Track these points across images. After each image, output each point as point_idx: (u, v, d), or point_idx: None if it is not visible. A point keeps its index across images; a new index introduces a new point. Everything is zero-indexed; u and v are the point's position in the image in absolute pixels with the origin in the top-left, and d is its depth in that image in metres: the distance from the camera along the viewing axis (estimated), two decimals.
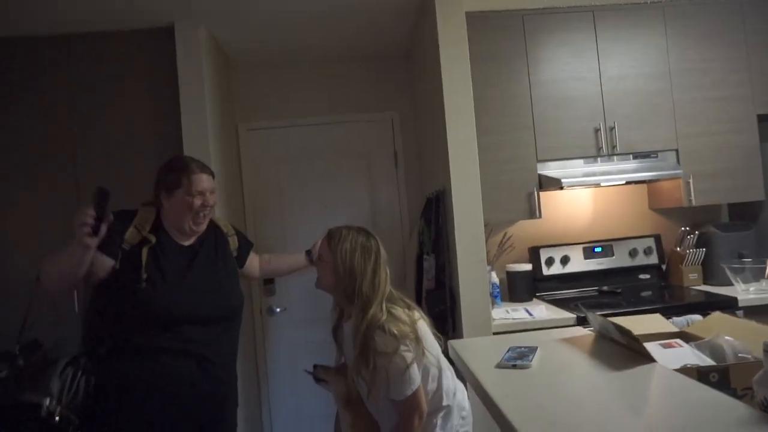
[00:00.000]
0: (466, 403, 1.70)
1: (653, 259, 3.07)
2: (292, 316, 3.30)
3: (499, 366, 1.31)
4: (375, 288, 1.55)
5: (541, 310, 2.64)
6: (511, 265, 2.96)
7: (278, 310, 3.29)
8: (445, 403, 1.59)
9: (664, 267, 3.09)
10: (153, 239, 1.71)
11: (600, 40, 2.83)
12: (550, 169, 2.81)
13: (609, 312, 2.46)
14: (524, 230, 3.13)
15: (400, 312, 1.54)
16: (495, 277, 2.84)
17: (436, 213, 2.66)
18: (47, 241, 2.56)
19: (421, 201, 3.16)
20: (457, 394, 1.67)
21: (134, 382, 1.61)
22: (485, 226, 2.49)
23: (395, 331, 1.46)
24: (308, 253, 2.20)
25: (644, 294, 2.88)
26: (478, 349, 1.50)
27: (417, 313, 1.60)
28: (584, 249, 3.07)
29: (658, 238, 3.10)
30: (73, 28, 2.65)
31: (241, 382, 2.08)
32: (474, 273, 2.43)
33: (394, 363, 1.46)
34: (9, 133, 2.68)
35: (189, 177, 1.72)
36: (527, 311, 2.64)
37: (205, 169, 1.80)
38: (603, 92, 2.82)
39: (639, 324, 1.55)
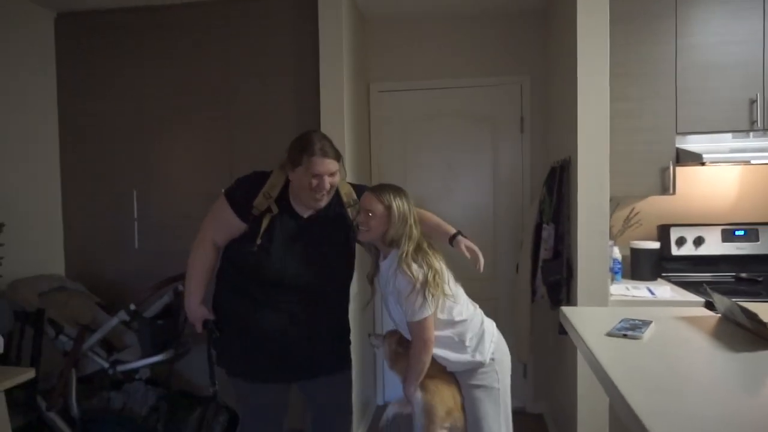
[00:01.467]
0: (496, 332, 1.98)
1: None
2: None
3: (609, 334, 1.32)
4: (417, 228, 1.85)
5: (665, 291, 2.52)
6: (636, 242, 2.84)
7: None
8: (464, 322, 1.87)
9: None
10: (276, 210, 1.88)
11: None
12: (691, 143, 2.61)
13: (746, 300, 2.27)
14: (654, 206, 2.95)
15: (428, 251, 1.83)
16: (617, 253, 2.75)
17: (559, 182, 2.61)
18: (201, 181, 2.98)
19: (545, 169, 3.11)
20: (483, 324, 1.94)
21: (238, 318, 1.94)
22: (611, 199, 2.40)
23: (416, 265, 1.77)
24: (452, 238, 2.03)
25: None
26: (590, 318, 1.51)
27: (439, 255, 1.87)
28: (723, 231, 2.83)
29: None
30: None
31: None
32: (594, 246, 2.37)
33: (413, 289, 1.74)
34: (172, 84, 3.09)
35: (309, 158, 1.78)
36: (649, 290, 2.54)
37: (328, 153, 1.81)
38: (765, 59, 2.53)
39: None
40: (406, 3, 3.10)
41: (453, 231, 2.03)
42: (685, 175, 2.88)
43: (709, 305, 2.31)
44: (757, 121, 2.54)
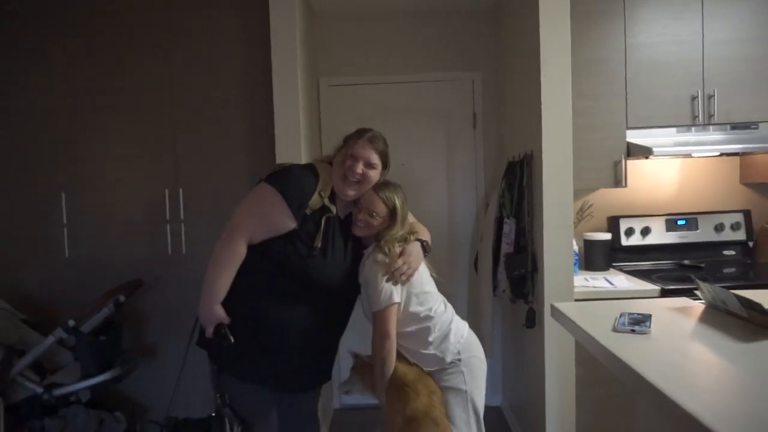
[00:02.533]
0: (465, 333, 1.90)
1: (740, 236, 2.96)
2: None
3: (616, 330, 1.32)
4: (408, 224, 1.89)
5: (621, 280, 2.61)
6: (589, 234, 2.92)
7: None
8: (430, 319, 1.83)
9: (751, 244, 2.98)
10: (333, 210, 1.78)
11: (707, 0, 2.67)
12: (639, 137, 2.72)
13: (691, 287, 2.40)
14: (604, 198, 3.06)
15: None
16: (574, 245, 2.81)
17: (520, 177, 2.63)
18: (143, 181, 2.74)
19: (499, 164, 3.13)
20: (451, 322, 1.87)
21: (261, 317, 1.76)
22: None
23: (382, 256, 1.76)
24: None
25: (728, 270, 2.80)
26: (585, 313, 1.50)
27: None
28: (667, 221, 2.98)
29: (747, 214, 2.98)
30: None
31: None
32: (559, 239, 2.41)
33: (375, 278, 1.74)
34: (107, 77, 2.81)
35: (356, 140, 1.79)
36: (607, 280, 2.62)
37: (375, 143, 1.81)
38: (704, 57, 2.68)
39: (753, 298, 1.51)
40: None
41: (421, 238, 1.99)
42: (632, 167, 3.00)
43: (664, 293, 2.43)
44: (698, 116, 2.68)
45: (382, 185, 1.84)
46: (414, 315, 1.82)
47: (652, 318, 1.37)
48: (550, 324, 2.36)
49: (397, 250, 1.78)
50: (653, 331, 1.30)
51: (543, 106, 2.38)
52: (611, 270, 2.89)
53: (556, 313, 1.60)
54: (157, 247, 2.80)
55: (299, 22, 2.70)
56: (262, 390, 1.81)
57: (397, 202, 1.80)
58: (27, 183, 2.82)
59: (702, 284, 1.51)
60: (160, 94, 2.80)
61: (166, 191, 2.80)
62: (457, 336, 1.87)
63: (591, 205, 3.01)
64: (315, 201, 1.74)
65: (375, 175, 1.80)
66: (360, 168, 1.75)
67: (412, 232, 1.88)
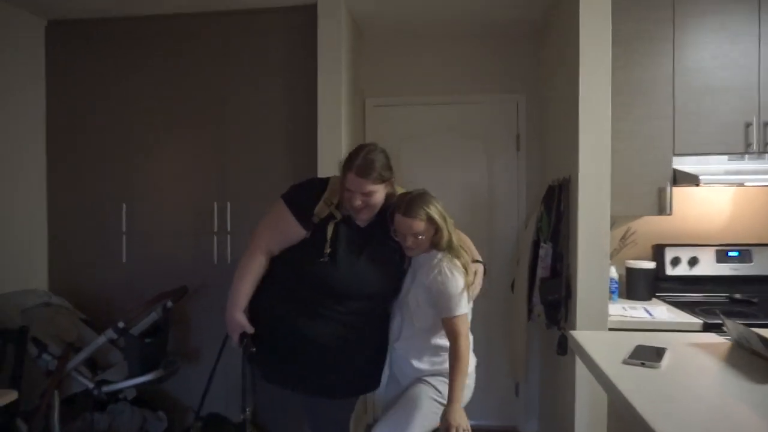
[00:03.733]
0: (472, 369, 1.92)
1: None
2: None
3: (626, 362, 1.30)
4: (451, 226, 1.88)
5: (661, 311, 2.52)
6: (631, 261, 2.84)
7: None
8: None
9: None
10: (339, 216, 1.83)
11: (764, 22, 2.56)
12: (687, 164, 2.63)
13: (741, 322, 2.28)
14: (649, 226, 2.96)
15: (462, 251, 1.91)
16: (614, 272, 2.74)
17: (558, 201, 2.60)
18: (194, 194, 2.91)
19: (541, 187, 3.10)
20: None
21: (286, 324, 1.86)
22: None
23: (459, 264, 1.84)
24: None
25: None
26: (602, 343, 1.49)
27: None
28: (717, 252, 2.85)
29: None
30: (223, 5, 2.90)
31: None
32: (594, 266, 2.36)
33: (456, 285, 1.79)
34: (164, 96, 3.03)
35: (345, 174, 1.78)
36: (646, 311, 2.53)
37: (365, 173, 1.76)
38: (761, 82, 2.56)
39: None
40: (404, 16, 3.09)
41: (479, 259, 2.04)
42: (680, 195, 2.88)
43: (707, 327, 2.32)
44: (752, 143, 2.56)
45: (408, 204, 1.82)
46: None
47: (668, 352, 1.33)
48: None
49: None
50: (664, 366, 1.27)
51: (580, 129, 2.36)
52: (654, 300, 2.79)
53: (572, 341, 1.58)
54: (203, 256, 2.96)
55: (345, 41, 2.81)
56: (292, 396, 1.88)
57: (431, 211, 1.81)
58: (91, 193, 3.07)
59: (727, 321, 1.45)
60: (210, 113, 2.99)
61: (215, 204, 2.97)
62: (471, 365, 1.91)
63: (634, 232, 2.92)
64: (321, 209, 1.82)
65: (377, 197, 1.82)
66: (358, 200, 1.78)
67: (460, 240, 1.94)
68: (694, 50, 2.61)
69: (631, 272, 2.82)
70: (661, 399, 1.08)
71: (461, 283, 1.81)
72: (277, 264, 1.89)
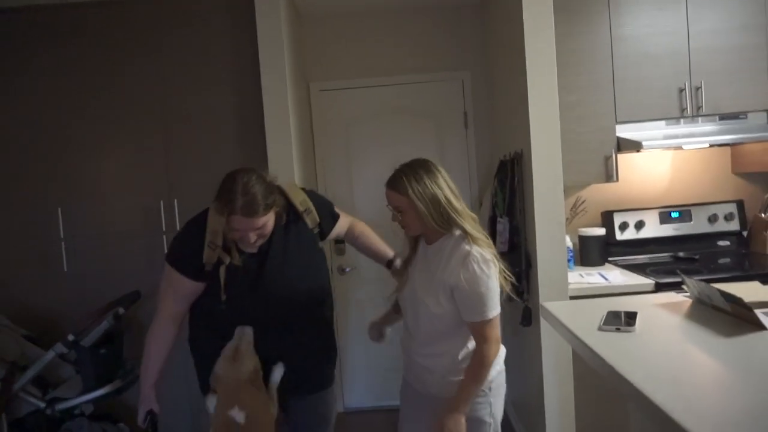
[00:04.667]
0: (502, 361, 1.71)
1: (734, 226, 2.97)
2: (360, 275, 3.39)
3: (601, 329, 1.33)
4: (459, 201, 1.59)
5: (615, 275, 2.62)
6: (583, 229, 2.93)
7: (348, 269, 3.39)
8: None
9: (745, 234, 2.98)
10: (227, 259, 1.71)
11: None
12: (629, 131, 2.73)
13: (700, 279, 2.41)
14: (597, 194, 3.07)
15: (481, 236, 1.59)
16: (568, 241, 2.82)
17: (511, 175, 2.64)
18: (137, 192, 2.77)
19: (492, 163, 3.15)
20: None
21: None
22: None
23: (488, 256, 1.53)
24: (390, 263, 2.03)
25: (723, 261, 2.80)
26: (574, 312, 1.52)
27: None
28: (660, 214, 2.99)
29: (740, 204, 2.99)
30: None
31: None
32: (552, 236, 2.42)
33: (484, 284, 1.49)
34: (98, 90, 2.83)
35: (230, 217, 1.60)
36: (602, 276, 2.63)
37: (251, 211, 1.58)
38: (690, 48, 2.69)
39: (736, 291, 1.53)
40: None
41: (391, 254, 1.98)
42: (623, 161, 3.02)
43: (659, 286, 2.43)
44: (686, 108, 2.69)
45: (392, 177, 1.60)
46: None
47: (638, 315, 1.38)
48: (545, 322, 2.37)
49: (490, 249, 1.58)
50: (638, 329, 1.31)
51: (530, 103, 2.39)
52: (607, 265, 2.91)
53: (545, 313, 1.61)
54: (154, 257, 2.82)
55: (285, 25, 2.72)
56: None
57: (410, 188, 1.53)
58: (22, 198, 2.84)
59: (688, 280, 1.52)
60: (151, 105, 2.82)
61: (161, 202, 2.82)
62: (496, 361, 1.65)
63: (584, 201, 3.02)
64: (209, 256, 1.68)
65: (270, 224, 1.68)
66: (252, 237, 1.65)
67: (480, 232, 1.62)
68: (629, 18, 2.70)
69: (583, 240, 2.92)
70: (641, 360, 1.12)
71: (495, 279, 1.53)
72: (196, 308, 1.83)
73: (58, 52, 2.81)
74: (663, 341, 1.25)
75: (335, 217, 2.02)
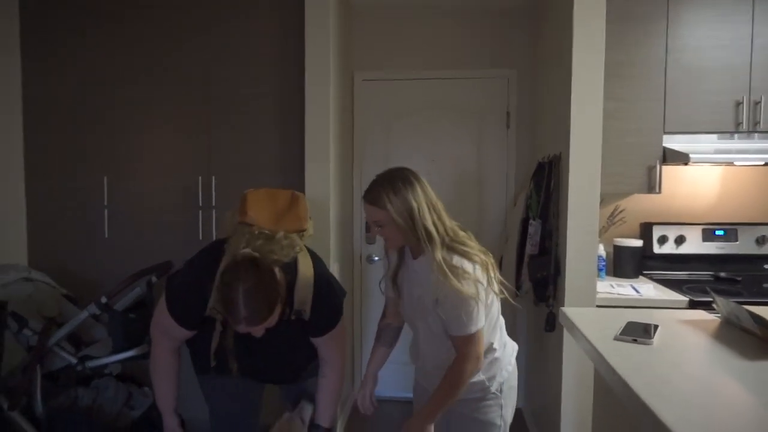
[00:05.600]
0: (513, 360, 1.69)
1: None
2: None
3: (617, 338, 1.29)
4: (432, 216, 1.51)
5: (648, 289, 2.54)
6: (619, 239, 2.85)
7: (376, 258, 3.41)
8: (493, 351, 1.61)
9: None
10: (221, 328, 1.72)
11: (758, 2, 2.54)
12: (677, 143, 2.63)
13: (736, 300, 2.30)
14: (638, 204, 2.97)
15: (473, 247, 1.54)
16: (602, 250, 2.75)
17: (547, 178, 2.58)
18: (178, 168, 2.85)
19: (531, 164, 3.09)
20: (507, 347, 1.68)
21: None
22: None
23: (468, 268, 1.47)
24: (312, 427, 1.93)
25: (767, 285, 2.67)
26: (593, 320, 1.48)
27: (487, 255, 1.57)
28: (704, 230, 2.87)
29: None
30: None
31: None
32: (583, 244, 2.36)
33: (462, 299, 1.45)
34: (145, 67, 2.92)
35: (235, 321, 1.53)
36: (634, 288, 2.55)
37: (256, 321, 1.52)
38: (752, 62, 2.55)
39: None
40: None
41: (321, 424, 1.89)
42: (669, 173, 2.90)
43: (693, 304, 2.34)
44: (742, 122, 2.56)
45: (371, 186, 1.56)
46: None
47: (659, 329, 1.33)
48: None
49: (478, 254, 1.53)
50: (656, 343, 1.27)
51: (572, 107, 2.34)
52: (641, 278, 2.81)
53: (563, 318, 1.58)
54: (189, 231, 2.91)
55: (333, 14, 2.73)
56: (219, 377, 1.86)
57: (388, 203, 1.48)
58: (72, 165, 2.98)
59: (717, 298, 1.45)
60: (196, 84, 2.90)
61: (200, 179, 2.90)
62: (507, 361, 1.66)
63: (623, 210, 2.93)
64: (210, 312, 1.64)
65: (276, 316, 1.58)
66: (259, 333, 1.58)
67: (459, 242, 1.54)
68: (687, 30, 2.59)
69: (618, 250, 2.83)
70: (653, 375, 1.08)
71: (470, 291, 1.45)
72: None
73: (111, 28, 2.92)
74: (681, 358, 1.20)
75: (324, 329, 1.83)
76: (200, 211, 2.91)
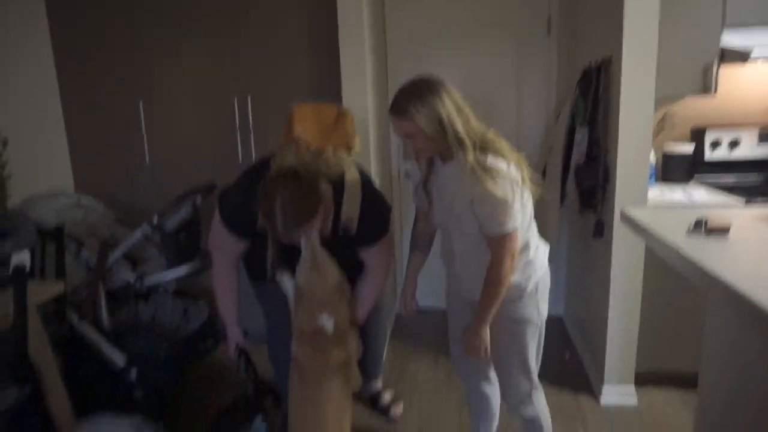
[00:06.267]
0: (546, 260, 1.73)
1: None
2: None
3: (689, 234, 1.26)
4: (461, 119, 1.49)
5: (701, 194, 2.47)
6: (669, 145, 2.75)
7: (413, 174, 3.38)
8: (530, 245, 1.65)
9: None
10: (277, 249, 1.75)
11: None
12: (737, 37, 2.45)
13: None
14: (689, 107, 2.84)
15: (504, 146, 1.54)
16: (651, 157, 2.66)
17: (596, 84, 2.46)
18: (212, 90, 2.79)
19: (574, 72, 2.94)
20: (540, 248, 1.71)
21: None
22: None
23: (503, 168, 1.48)
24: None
25: None
26: (661, 220, 1.44)
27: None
28: (761, 133, 2.74)
29: None
30: None
31: None
32: (636, 151, 2.27)
33: (498, 198, 1.45)
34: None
35: (275, 234, 1.59)
36: (686, 193, 2.49)
37: (290, 225, 1.54)
38: None
39: None
40: None
41: (357, 317, 1.89)
42: (725, 74, 2.72)
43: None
44: None
45: (395, 98, 1.53)
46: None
47: (732, 224, 1.29)
48: (618, 236, 2.30)
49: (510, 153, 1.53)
50: (732, 236, 1.23)
51: (626, 4, 2.17)
52: (691, 183, 2.73)
53: (626, 219, 1.55)
54: (228, 153, 2.91)
55: None
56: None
57: (415, 112, 1.45)
58: (107, 94, 2.96)
59: None
60: (229, 7, 2.80)
61: (235, 99, 2.86)
62: (541, 262, 1.70)
63: (673, 114, 2.81)
64: (263, 222, 1.61)
65: (314, 225, 1.59)
66: (302, 238, 1.65)
67: (490, 141, 1.53)
68: None
69: (668, 156, 2.74)
70: (735, 264, 1.06)
71: (506, 189, 1.45)
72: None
73: None
74: (759, 248, 1.17)
75: (372, 240, 1.84)
76: (238, 133, 2.89)
